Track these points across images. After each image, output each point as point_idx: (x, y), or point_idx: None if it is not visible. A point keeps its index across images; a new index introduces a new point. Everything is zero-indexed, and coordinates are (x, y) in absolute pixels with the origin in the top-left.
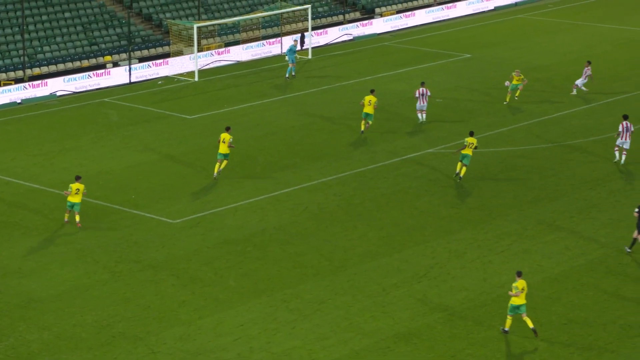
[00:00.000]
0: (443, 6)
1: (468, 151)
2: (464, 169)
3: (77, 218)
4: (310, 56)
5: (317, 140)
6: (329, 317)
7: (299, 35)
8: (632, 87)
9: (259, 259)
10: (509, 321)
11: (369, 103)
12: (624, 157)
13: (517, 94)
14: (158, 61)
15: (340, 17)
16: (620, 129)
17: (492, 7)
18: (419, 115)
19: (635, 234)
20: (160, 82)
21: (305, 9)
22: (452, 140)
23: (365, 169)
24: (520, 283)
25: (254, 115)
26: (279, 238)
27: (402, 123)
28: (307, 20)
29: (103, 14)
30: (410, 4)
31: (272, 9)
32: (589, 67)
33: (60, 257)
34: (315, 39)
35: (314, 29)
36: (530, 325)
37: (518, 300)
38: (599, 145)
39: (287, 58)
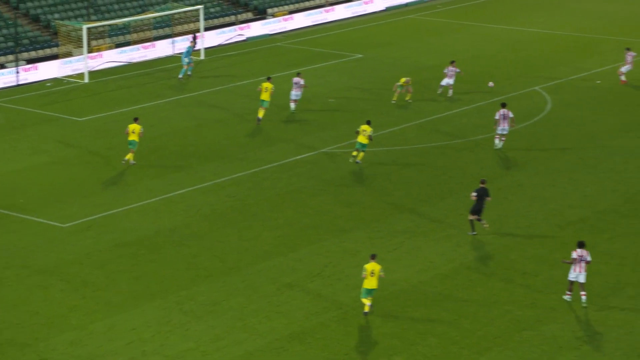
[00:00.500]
0: (322, 9)
1: (362, 139)
2: (361, 154)
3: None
4: (203, 57)
5: (210, 141)
6: (223, 318)
7: (192, 35)
8: (519, 86)
9: (152, 261)
10: (365, 303)
11: (266, 90)
12: (502, 143)
13: (407, 97)
14: (47, 63)
15: (233, 17)
16: (497, 116)
17: (384, 7)
18: (292, 104)
19: (470, 216)
20: (49, 84)
21: (197, 10)
22: (345, 140)
23: (259, 170)
24: (370, 265)
25: (147, 116)
26: (172, 240)
27: (296, 124)
28: (199, 21)
29: None
30: (302, 5)
31: (163, 10)
32: (453, 67)
33: None
34: (209, 39)
35: (206, 29)
36: (366, 309)
37: (368, 283)
38: (488, 143)
39: (185, 59)
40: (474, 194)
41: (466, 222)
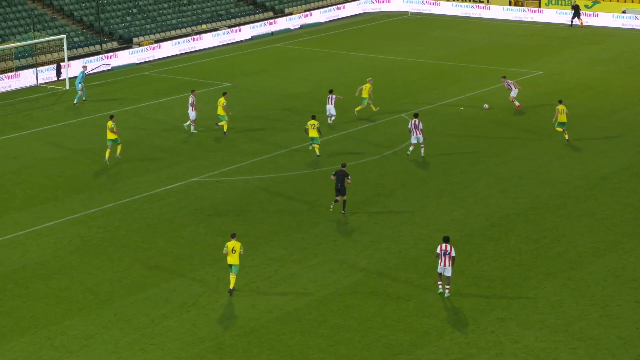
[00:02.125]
0: (193, 37)
1: (314, 133)
2: (317, 146)
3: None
4: (67, 87)
5: (78, 171)
6: (97, 352)
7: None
8: (385, 113)
9: (20, 296)
10: (231, 279)
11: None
12: (422, 150)
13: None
14: None
15: (97, 47)
16: (409, 125)
17: (249, 37)
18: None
19: (336, 197)
20: None
21: (61, 39)
22: (217, 169)
23: (130, 200)
24: (231, 243)
25: (10, 148)
26: (41, 273)
27: (165, 153)
28: (62, 50)
29: None
30: (168, 34)
31: (25, 39)
32: (332, 97)
33: None
34: (73, 69)
35: (70, 59)
36: (231, 286)
37: (231, 260)
38: (357, 169)
39: (78, 85)
40: (333, 176)
41: (338, 247)
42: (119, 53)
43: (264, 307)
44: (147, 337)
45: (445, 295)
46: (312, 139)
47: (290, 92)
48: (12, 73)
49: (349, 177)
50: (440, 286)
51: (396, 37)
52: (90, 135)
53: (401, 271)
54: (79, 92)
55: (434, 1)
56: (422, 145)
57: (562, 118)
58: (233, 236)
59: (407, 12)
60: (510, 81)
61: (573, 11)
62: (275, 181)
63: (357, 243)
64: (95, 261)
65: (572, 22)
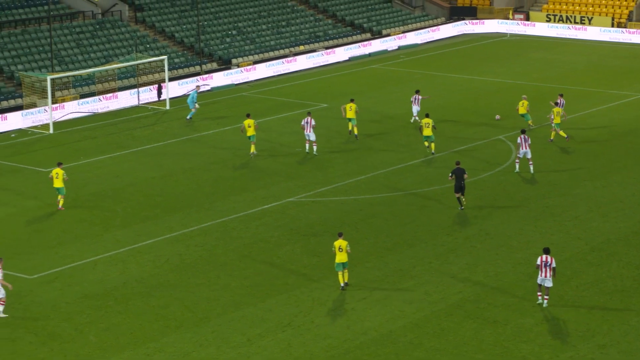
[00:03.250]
0: (284, 60)
1: (428, 132)
2: (432, 144)
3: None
4: (168, 107)
5: (177, 190)
6: None
7: (197, 83)
8: (483, 134)
9: (120, 312)
10: (339, 277)
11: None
12: (531, 167)
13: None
14: (11, 113)
15: (197, 67)
16: (518, 140)
17: (347, 58)
18: (307, 145)
19: (455, 194)
20: (13, 135)
21: (162, 60)
22: (312, 189)
23: (227, 219)
24: (338, 242)
25: (112, 166)
26: (140, 291)
27: (262, 173)
28: (163, 71)
29: None
30: (266, 55)
31: (127, 60)
32: (418, 97)
33: None
34: (173, 89)
35: (170, 79)
36: (343, 282)
37: (339, 258)
38: (453, 190)
39: (192, 103)
40: (451, 175)
41: (433, 269)
42: (215, 74)
43: (359, 329)
44: (243, 356)
45: (544, 305)
46: (426, 137)
47: (387, 113)
48: (113, 94)
49: (466, 173)
50: (539, 297)
51: (495, 59)
52: (190, 154)
53: (498, 295)
54: (193, 110)
55: (530, 22)
56: (531, 162)
57: (557, 120)
58: (340, 235)
59: (506, 33)
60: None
61: None
62: (371, 202)
63: (453, 266)
64: (192, 279)
65: None
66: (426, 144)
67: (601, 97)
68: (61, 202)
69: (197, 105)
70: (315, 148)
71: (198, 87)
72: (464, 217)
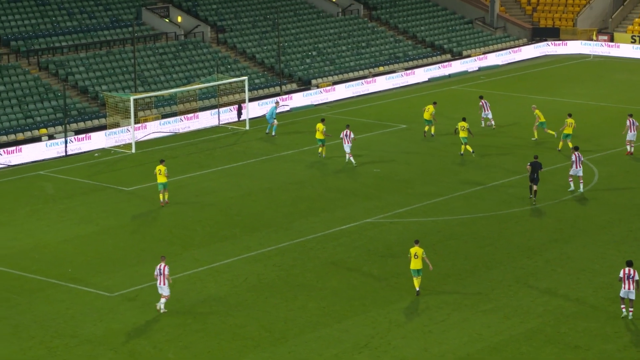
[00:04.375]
0: (363, 81)
1: (463, 134)
2: (464, 146)
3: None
4: (247, 127)
5: (255, 210)
6: None
7: (277, 99)
8: (565, 157)
9: (199, 331)
10: (415, 282)
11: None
12: (581, 185)
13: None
14: (95, 133)
15: (277, 88)
16: (573, 158)
17: (427, 79)
18: (347, 157)
19: (530, 184)
20: (96, 155)
21: (242, 81)
22: (390, 210)
23: (304, 239)
24: (413, 249)
25: (192, 186)
26: (218, 310)
27: (340, 193)
28: (244, 91)
29: (38, 87)
30: (346, 76)
31: (209, 81)
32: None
33: None
34: (253, 110)
35: (251, 100)
36: (418, 286)
37: (414, 264)
38: (534, 214)
39: (270, 119)
40: (529, 166)
41: (513, 293)
42: (294, 95)
43: (436, 351)
44: None
45: (629, 317)
46: (462, 138)
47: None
48: (195, 114)
49: (542, 168)
50: (623, 309)
51: (577, 80)
52: (268, 174)
53: (580, 319)
54: (273, 124)
55: (614, 43)
56: (582, 180)
57: (569, 130)
58: (416, 242)
59: (590, 54)
60: (633, 121)
61: None
62: (450, 224)
63: (533, 289)
64: (270, 299)
65: None
66: (463, 147)
67: None
68: (166, 196)
69: (275, 122)
70: (353, 160)
71: (277, 102)
72: (544, 240)
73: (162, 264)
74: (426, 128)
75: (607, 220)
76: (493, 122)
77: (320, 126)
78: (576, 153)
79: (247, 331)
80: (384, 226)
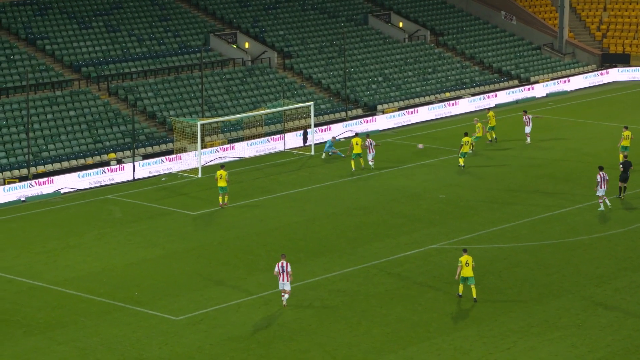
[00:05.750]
0: (445, 103)
1: (465, 149)
2: (462, 160)
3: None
4: (313, 152)
5: (320, 235)
6: None
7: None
8: (631, 185)
9: (262, 356)
10: (460, 287)
11: (357, 144)
12: (607, 201)
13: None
14: (162, 158)
15: (343, 114)
16: (598, 179)
17: (494, 105)
18: (370, 163)
19: (619, 183)
20: (164, 179)
21: (308, 106)
22: (455, 237)
23: (368, 265)
24: (463, 258)
25: (258, 210)
26: (282, 335)
27: (405, 219)
28: (309, 117)
29: (107, 112)
30: (412, 102)
31: (275, 106)
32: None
33: (63, 355)
34: (319, 135)
35: (316, 125)
36: (474, 295)
37: (464, 272)
38: (602, 241)
39: (329, 151)
40: (621, 165)
41: (581, 321)
42: (364, 120)
43: None
44: None
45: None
46: (463, 154)
47: (533, 161)
48: (262, 139)
49: (632, 166)
50: None
51: None
52: (333, 199)
53: None
54: (331, 153)
55: None
56: (605, 197)
57: (626, 143)
58: (465, 251)
59: None
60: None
61: None
62: (516, 251)
63: (602, 318)
64: (334, 325)
65: None
66: (461, 161)
67: None
68: (226, 199)
69: (338, 152)
70: (371, 164)
71: (334, 138)
72: (613, 268)
73: (284, 261)
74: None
75: None
76: (529, 139)
77: (359, 140)
78: (602, 173)
79: (311, 356)
80: (448, 252)
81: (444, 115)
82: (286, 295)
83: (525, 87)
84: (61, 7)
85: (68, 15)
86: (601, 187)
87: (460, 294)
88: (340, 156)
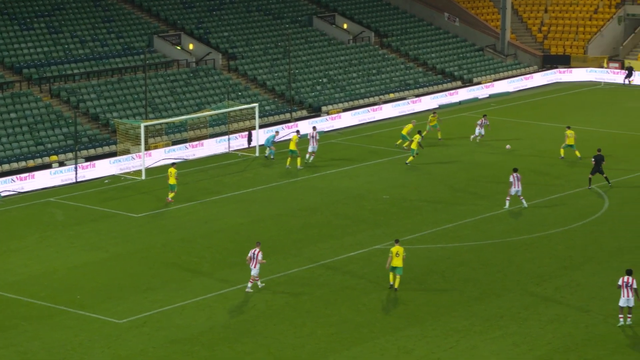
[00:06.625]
0: (369, 109)
1: (414, 145)
2: (410, 158)
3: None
4: (257, 154)
5: (264, 237)
6: None
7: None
8: (575, 184)
9: (207, 358)
10: (390, 276)
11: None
12: (524, 202)
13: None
14: (105, 160)
15: (288, 115)
16: (511, 179)
17: (437, 105)
18: (309, 156)
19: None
20: (107, 181)
21: (253, 108)
22: (398, 237)
23: (313, 266)
24: (395, 248)
25: (202, 212)
26: (227, 337)
27: (349, 220)
28: (254, 118)
29: (49, 114)
30: (356, 102)
31: (219, 108)
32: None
33: None
34: (264, 136)
35: (261, 127)
36: (396, 285)
37: (395, 262)
38: (543, 241)
39: (269, 149)
40: (593, 159)
41: (522, 320)
42: (300, 122)
43: None
44: None
45: (627, 323)
46: (412, 150)
47: (477, 161)
48: (204, 141)
49: (604, 161)
50: (620, 319)
51: (588, 108)
52: (278, 201)
53: (589, 347)
54: (269, 149)
55: (625, 71)
56: (522, 197)
57: (571, 141)
58: (397, 241)
59: (601, 82)
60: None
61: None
62: (459, 250)
63: (542, 316)
64: (278, 326)
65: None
66: (410, 158)
67: None
68: (171, 196)
69: (273, 148)
70: (309, 157)
71: (277, 132)
72: (553, 267)
73: (257, 250)
74: (399, 141)
75: (617, 248)
76: (475, 138)
77: (295, 137)
78: (515, 174)
79: (255, 358)
80: None
81: (388, 116)
82: (251, 283)
83: (468, 87)
84: (2, 8)
85: (9, 16)
86: (514, 187)
87: (392, 283)
88: (270, 157)
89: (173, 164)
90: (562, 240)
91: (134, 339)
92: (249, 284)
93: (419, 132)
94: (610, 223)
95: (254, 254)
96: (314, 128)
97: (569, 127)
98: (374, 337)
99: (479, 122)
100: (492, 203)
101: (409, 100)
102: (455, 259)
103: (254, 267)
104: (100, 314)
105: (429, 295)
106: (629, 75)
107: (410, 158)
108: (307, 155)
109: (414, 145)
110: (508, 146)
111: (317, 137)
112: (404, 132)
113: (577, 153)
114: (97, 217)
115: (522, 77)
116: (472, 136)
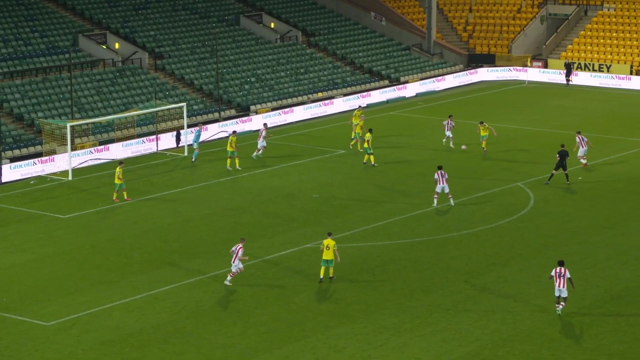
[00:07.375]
0: (320, 103)
1: (367, 144)
2: (372, 157)
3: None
4: (186, 153)
5: (195, 237)
6: None
7: (201, 124)
8: (501, 182)
9: (136, 359)
10: (321, 270)
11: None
12: (451, 200)
13: (483, 144)
14: (30, 161)
15: (216, 114)
16: (436, 177)
17: (365, 104)
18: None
19: (553, 171)
20: (32, 182)
21: (181, 107)
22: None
23: (244, 265)
24: (326, 241)
25: (131, 212)
26: (157, 337)
27: (280, 219)
28: (182, 117)
29: None
30: (285, 102)
31: (146, 107)
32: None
33: None
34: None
35: (189, 126)
36: (330, 274)
37: (325, 255)
38: (471, 238)
39: (194, 145)
40: (557, 155)
41: (451, 316)
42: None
43: None
44: None
45: (557, 312)
46: (366, 149)
47: (405, 159)
48: (132, 141)
49: (568, 156)
50: (557, 307)
51: (512, 106)
52: (207, 201)
53: (516, 342)
54: (195, 150)
55: (548, 70)
56: (450, 196)
57: (484, 132)
58: (329, 234)
59: (524, 80)
60: (582, 137)
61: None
62: (388, 248)
63: (471, 313)
64: (209, 326)
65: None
66: (366, 158)
67: (620, 144)
68: (125, 194)
69: (197, 149)
70: (258, 153)
71: (203, 126)
72: (481, 264)
73: (240, 245)
74: (353, 142)
75: (542, 244)
76: (447, 140)
77: (233, 139)
78: (440, 172)
79: (186, 359)
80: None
81: (319, 115)
82: (230, 277)
83: (395, 87)
84: None
85: None
86: (440, 184)
87: (322, 277)
88: (192, 159)
89: (120, 162)
90: (490, 237)
91: (62, 342)
92: (228, 277)
93: (370, 131)
94: (536, 220)
95: (236, 248)
96: (265, 125)
97: (482, 123)
98: (306, 336)
99: (444, 122)
100: (421, 201)
101: (342, 99)
102: (385, 256)
103: (233, 262)
104: (27, 316)
105: (360, 293)
106: (568, 74)
107: (372, 158)
108: (256, 152)
109: (367, 144)
110: (463, 146)
111: (264, 134)
112: (357, 129)
113: (484, 144)
114: (22, 218)
115: (447, 75)
116: (443, 140)
